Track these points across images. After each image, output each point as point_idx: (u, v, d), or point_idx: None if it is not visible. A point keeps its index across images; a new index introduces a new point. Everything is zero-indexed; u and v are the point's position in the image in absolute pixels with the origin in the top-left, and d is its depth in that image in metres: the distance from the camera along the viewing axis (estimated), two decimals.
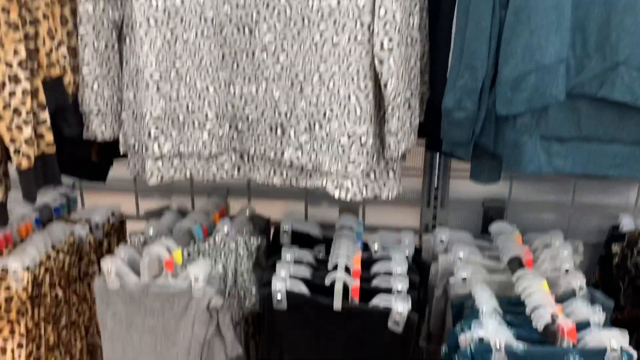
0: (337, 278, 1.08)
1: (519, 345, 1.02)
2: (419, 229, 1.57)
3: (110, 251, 1.53)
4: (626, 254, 1.40)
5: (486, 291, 1.16)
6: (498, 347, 1.02)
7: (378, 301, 1.08)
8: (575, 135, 0.98)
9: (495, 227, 1.40)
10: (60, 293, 1.32)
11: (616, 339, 1.00)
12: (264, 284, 1.17)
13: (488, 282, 1.23)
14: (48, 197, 1.53)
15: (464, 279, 1.25)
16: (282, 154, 1.04)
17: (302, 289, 1.13)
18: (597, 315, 1.07)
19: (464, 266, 1.27)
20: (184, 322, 1.14)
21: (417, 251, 1.35)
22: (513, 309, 1.15)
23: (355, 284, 1.09)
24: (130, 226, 1.59)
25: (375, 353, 1.09)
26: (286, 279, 1.13)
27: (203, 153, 1.05)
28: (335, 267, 1.15)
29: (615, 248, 1.42)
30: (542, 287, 1.13)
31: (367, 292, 1.12)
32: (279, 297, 1.13)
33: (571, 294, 1.18)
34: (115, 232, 1.53)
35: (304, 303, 1.12)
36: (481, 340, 1.04)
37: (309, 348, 1.14)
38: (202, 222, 1.35)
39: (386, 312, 1.06)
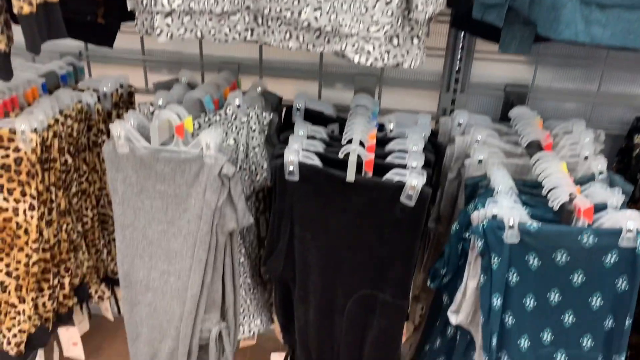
0: (352, 150, 1.05)
1: (533, 223, 1.01)
2: (436, 114, 1.52)
3: None
4: None
5: (502, 171, 1.13)
6: (511, 223, 1.01)
7: (392, 175, 1.06)
8: (619, 2, 0.90)
9: (515, 111, 1.36)
10: (69, 160, 1.31)
11: (633, 220, 0.98)
12: (277, 156, 1.14)
13: (505, 165, 1.20)
14: (54, 64, 1.48)
15: (480, 161, 1.22)
16: (299, 13, 0.97)
17: (315, 161, 1.10)
18: (615, 197, 1.05)
19: (481, 148, 1.24)
20: (196, 189, 1.12)
21: (433, 134, 1.31)
22: (529, 190, 1.13)
23: (369, 157, 1.06)
24: (139, 99, 1.55)
25: (385, 227, 1.09)
26: (299, 152, 1.11)
27: (215, 10, 0.98)
28: (349, 142, 1.12)
29: (638, 139, 1.38)
30: (561, 169, 1.11)
31: (381, 167, 1.09)
32: (291, 169, 1.11)
33: (590, 178, 1.15)
34: (123, 103, 1.49)
35: (316, 175, 1.09)
36: (494, 217, 1.03)
37: (319, 220, 1.13)
38: (213, 95, 1.30)
39: (399, 186, 1.04)
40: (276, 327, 1.51)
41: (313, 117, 1.33)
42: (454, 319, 1.14)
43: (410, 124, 1.31)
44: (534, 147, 1.24)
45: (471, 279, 1.10)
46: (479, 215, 1.05)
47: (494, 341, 1.08)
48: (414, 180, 1.03)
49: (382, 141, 1.19)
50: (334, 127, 1.31)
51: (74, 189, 1.37)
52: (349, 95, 1.46)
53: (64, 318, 1.43)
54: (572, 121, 1.32)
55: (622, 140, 1.45)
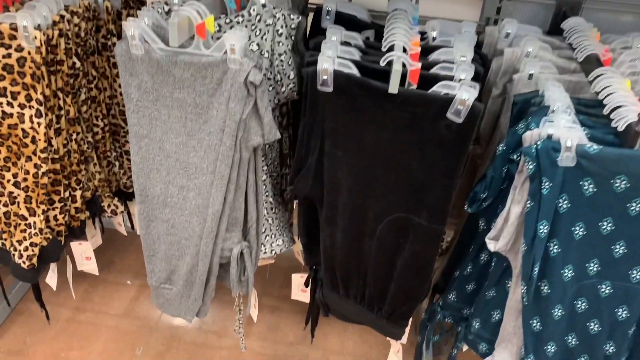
0: (396, 57, 0.93)
1: (592, 146, 0.91)
2: (478, 24, 1.38)
3: None
4: None
5: (559, 87, 1.02)
6: (569, 145, 0.91)
7: (439, 88, 0.94)
8: None
9: (570, 22, 1.22)
10: (77, 63, 1.20)
11: None
12: (308, 64, 1.03)
13: (558, 81, 1.08)
14: None
15: (531, 76, 1.10)
16: None
17: (352, 69, 0.99)
18: None
19: (533, 62, 1.11)
20: (218, 98, 1.02)
21: (477, 45, 1.18)
22: (585, 110, 1.02)
23: (415, 66, 0.94)
24: None
25: (427, 146, 0.99)
26: (334, 59, 0.99)
27: None
28: (389, 50, 1.00)
29: None
30: (626, 86, 0.99)
31: (425, 79, 0.98)
32: (324, 78, 0.99)
33: None
34: (134, 2, 1.35)
35: (353, 85, 0.98)
36: (550, 137, 0.93)
37: (353, 136, 1.04)
38: None
39: (448, 100, 0.93)
40: (296, 247, 1.46)
41: (344, 22, 1.20)
42: (492, 245, 1.07)
43: (454, 32, 1.18)
44: (592, 62, 1.12)
45: (515, 204, 1.02)
46: (532, 135, 0.95)
47: (536, 270, 1.01)
48: (464, 94, 0.92)
49: (425, 50, 1.07)
50: (368, 34, 1.18)
51: (82, 96, 1.27)
52: (383, 2, 1.32)
53: (77, 232, 1.37)
54: (631, 35, 1.19)
55: None
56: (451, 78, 0.98)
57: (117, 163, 1.47)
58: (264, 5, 1.10)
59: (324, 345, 1.79)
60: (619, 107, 0.94)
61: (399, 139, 1.00)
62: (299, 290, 1.43)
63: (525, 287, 1.04)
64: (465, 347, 1.28)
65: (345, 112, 1.02)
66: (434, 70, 1.01)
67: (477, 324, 1.22)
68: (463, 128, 0.95)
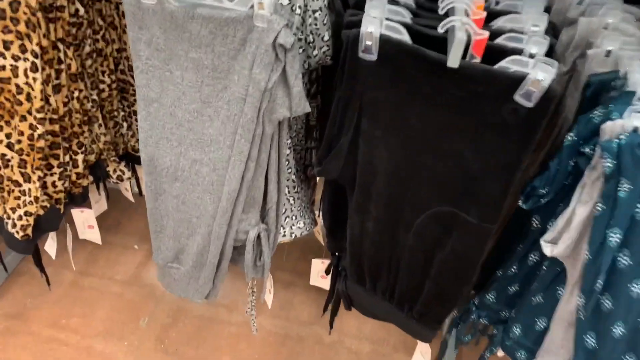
0: (459, 23, 0.76)
1: None
2: None
3: None
4: None
5: None
6: None
7: (508, 64, 0.78)
8: None
9: None
10: (80, 9, 1.04)
11: None
12: (349, 25, 0.86)
13: None
14: None
15: (609, 52, 0.93)
16: None
17: (403, 35, 0.82)
18: None
19: (613, 35, 0.94)
20: (240, 62, 0.86)
21: (545, 10, 1.00)
22: None
23: (481, 35, 0.77)
24: None
25: (486, 132, 0.83)
26: (381, 21, 0.83)
27: None
28: (447, 13, 0.83)
29: None
30: None
31: (489, 52, 0.81)
32: (368, 44, 0.83)
33: None
34: None
35: (403, 54, 0.82)
36: (635, 130, 0.77)
37: (397, 115, 0.88)
38: None
39: (518, 79, 0.76)
40: (318, 229, 1.33)
41: None
42: (549, 249, 0.92)
43: None
44: None
45: (581, 205, 0.87)
46: (615, 127, 0.79)
47: (600, 282, 0.87)
48: (540, 73, 0.75)
49: (487, 15, 0.89)
50: None
51: (87, 49, 1.12)
52: None
53: (78, 199, 1.24)
54: None
55: None
56: (520, 52, 0.82)
57: (124, 124, 1.33)
58: None
59: (339, 327, 1.68)
60: None
61: (452, 121, 0.85)
62: (319, 276, 1.30)
63: (584, 300, 0.91)
64: (500, 353, 1.16)
65: (390, 86, 0.86)
66: (499, 40, 0.84)
67: (518, 330, 1.09)
68: (533, 114, 0.79)
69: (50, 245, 1.31)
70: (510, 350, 1.13)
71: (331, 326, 1.32)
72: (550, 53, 0.85)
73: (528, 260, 1.06)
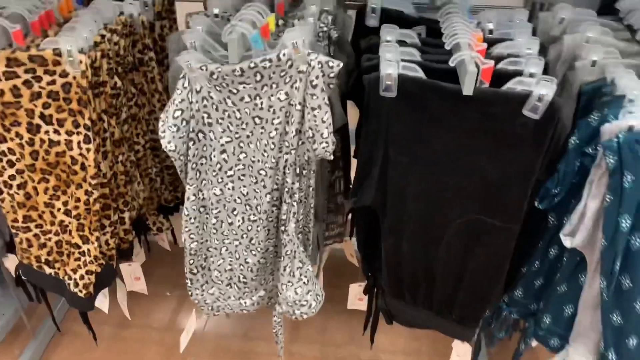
0: (468, 57, 0.89)
1: None
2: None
3: (163, 36, 1.32)
4: None
5: (631, 74, 0.98)
6: None
7: (514, 85, 0.90)
8: None
9: (627, 1, 1.17)
10: (119, 82, 1.15)
11: None
12: (368, 70, 0.98)
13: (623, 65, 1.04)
14: None
15: (594, 62, 1.06)
16: None
17: (418, 72, 0.94)
18: None
19: (595, 47, 1.07)
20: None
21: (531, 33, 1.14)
22: None
23: (488, 64, 0.90)
24: (182, 9, 1.36)
25: (502, 146, 0.95)
26: (398, 63, 0.95)
27: None
28: (452, 49, 0.96)
29: None
30: None
31: (495, 76, 0.93)
32: (388, 83, 0.95)
33: None
34: (166, 12, 1.30)
35: (421, 88, 0.94)
36: (631, 129, 0.89)
37: (420, 141, 1.00)
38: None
39: (525, 96, 0.89)
40: (348, 249, 1.43)
41: (391, 19, 1.15)
42: (568, 242, 1.03)
43: (505, 22, 1.14)
44: None
45: (592, 199, 0.98)
46: (612, 128, 0.91)
47: (617, 265, 0.98)
48: (542, 89, 0.88)
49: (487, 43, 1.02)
50: (420, 30, 1.14)
51: (123, 115, 1.22)
52: None
53: (126, 254, 1.34)
54: None
55: None
56: (520, 73, 0.94)
57: (158, 179, 1.43)
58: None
59: (374, 344, 1.76)
60: None
61: (471, 141, 0.96)
62: (356, 299, 1.40)
63: (605, 283, 1.01)
64: (534, 343, 1.25)
65: (412, 117, 0.98)
66: (501, 65, 0.97)
67: (548, 319, 1.19)
68: (540, 125, 0.91)
69: (102, 302, 1.39)
70: (543, 338, 1.23)
71: (372, 341, 1.41)
72: (546, 71, 0.98)
73: (549, 254, 1.17)
